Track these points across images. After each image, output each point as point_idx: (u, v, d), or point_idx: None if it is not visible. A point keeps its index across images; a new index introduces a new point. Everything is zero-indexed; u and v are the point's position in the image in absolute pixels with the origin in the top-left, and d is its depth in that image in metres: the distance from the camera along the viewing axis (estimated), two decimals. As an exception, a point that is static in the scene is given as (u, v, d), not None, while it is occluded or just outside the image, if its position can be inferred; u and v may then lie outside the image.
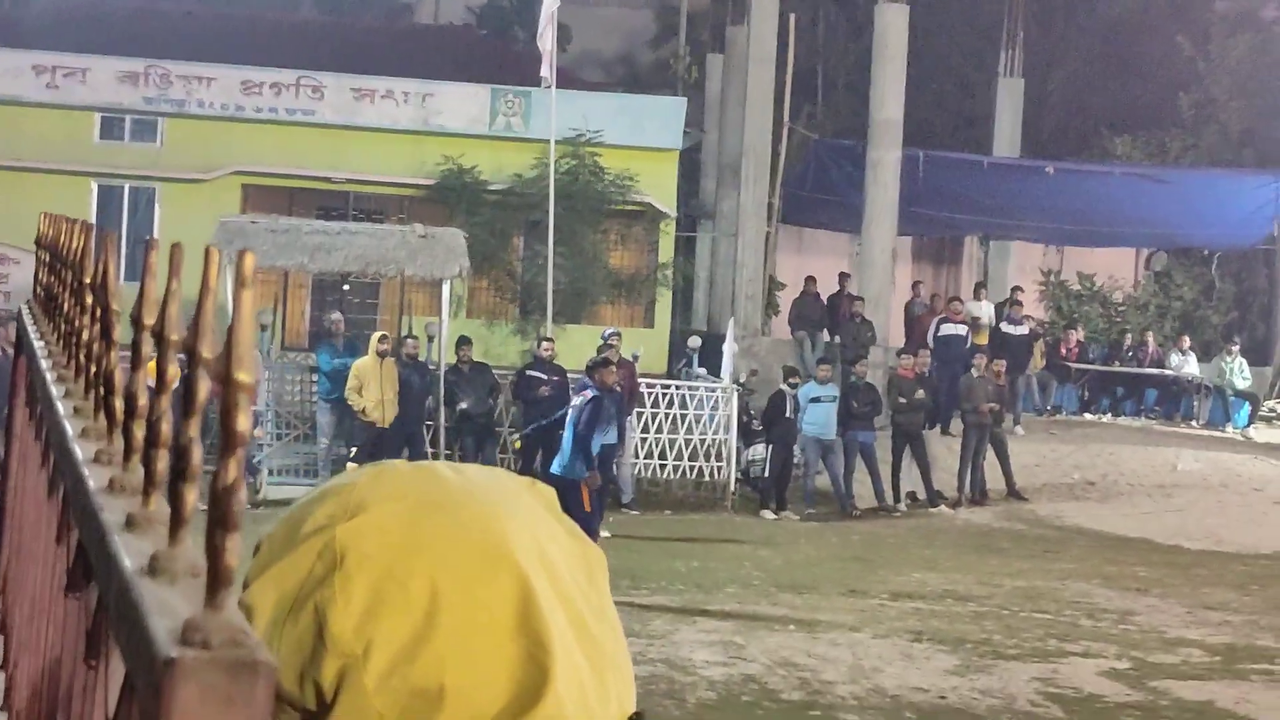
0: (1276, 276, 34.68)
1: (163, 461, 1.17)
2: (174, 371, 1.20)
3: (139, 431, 1.31)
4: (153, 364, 1.25)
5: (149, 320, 1.25)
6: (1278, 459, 27.81)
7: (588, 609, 1.31)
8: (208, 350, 0.99)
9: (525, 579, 1.26)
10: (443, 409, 22.69)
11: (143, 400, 1.32)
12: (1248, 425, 30.69)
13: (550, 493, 1.41)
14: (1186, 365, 31.10)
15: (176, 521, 1.02)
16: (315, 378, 23.66)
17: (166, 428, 1.16)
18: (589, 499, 17.29)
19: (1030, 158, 34.63)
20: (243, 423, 0.89)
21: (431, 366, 23.20)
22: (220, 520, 0.88)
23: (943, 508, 24.10)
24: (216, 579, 0.88)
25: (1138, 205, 32.47)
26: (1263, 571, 19.58)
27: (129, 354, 1.33)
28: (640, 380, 24.22)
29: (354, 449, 22.28)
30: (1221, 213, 32.59)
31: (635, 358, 24.31)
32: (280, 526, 1.33)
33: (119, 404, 1.47)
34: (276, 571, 1.29)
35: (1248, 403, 31.08)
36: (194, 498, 1.00)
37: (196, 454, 1.01)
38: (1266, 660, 13.85)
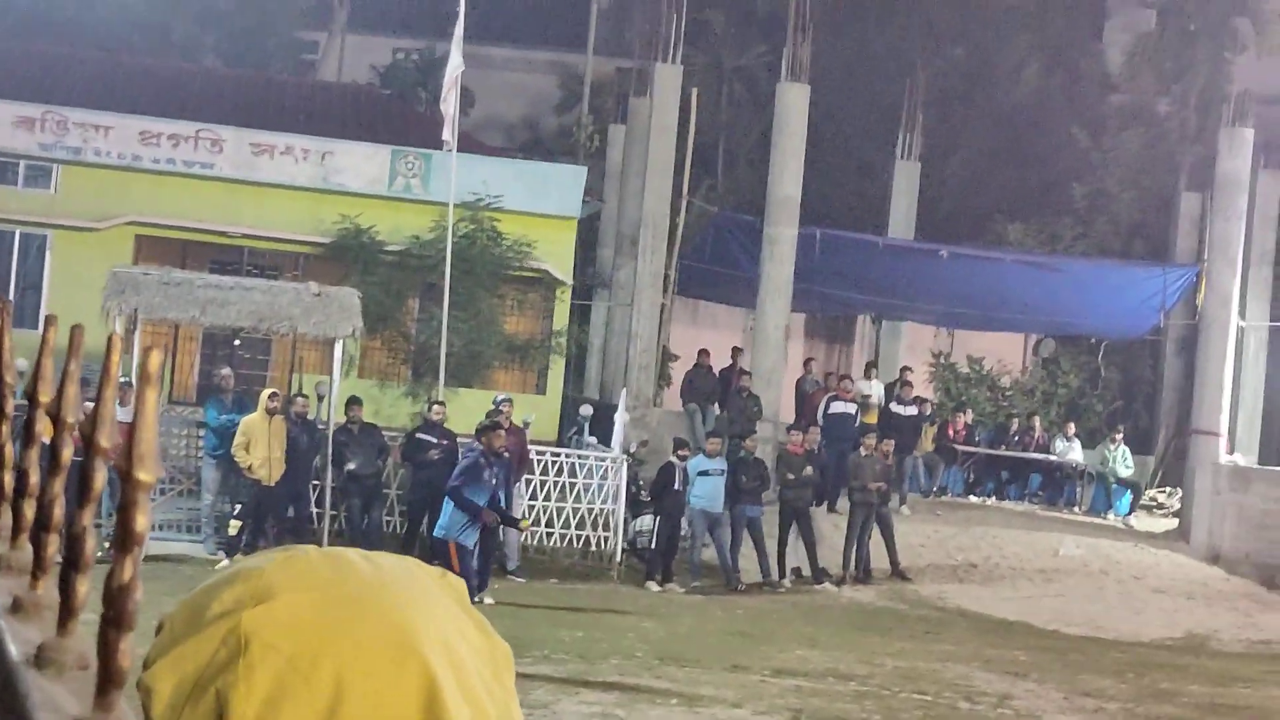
0: (1161, 367, 35.20)
1: (53, 545, 1.16)
2: (68, 455, 1.19)
3: (29, 510, 1.29)
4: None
5: (44, 399, 1.24)
6: (1158, 548, 28.17)
7: (493, 706, 1.30)
8: (105, 439, 0.97)
9: (432, 675, 1.25)
10: (330, 469, 22.52)
11: (34, 478, 1.30)
12: (1129, 513, 31.08)
13: (460, 585, 1.40)
14: (1071, 452, 31.48)
15: (66, 612, 1.00)
16: (202, 433, 23.44)
17: (59, 512, 1.14)
18: (457, 559, 17.71)
19: (925, 240, 34.98)
20: (141, 522, 0.88)
21: (320, 426, 23.03)
22: (114, 620, 0.87)
23: (827, 585, 24.17)
24: (108, 679, 0.86)
25: (1029, 292, 32.85)
26: (1139, 659, 19.78)
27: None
28: (530, 447, 24.16)
29: (239, 506, 22.06)
30: (1110, 303, 33.06)
31: (526, 424, 24.26)
32: (184, 608, 1.31)
33: (8, 479, 1.45)
34: (179, 654, 1.27)
35: (1130, 491, 31.48)
36: (85, 589, 0.98)
37: (90, 544, 1.00)
38: (1141, 748, 13.98)
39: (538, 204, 30.52)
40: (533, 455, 24.23)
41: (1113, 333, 35.03)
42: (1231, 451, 30.66)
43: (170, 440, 23.92)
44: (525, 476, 23.73)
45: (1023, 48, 39.48)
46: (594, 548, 24.43)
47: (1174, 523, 30.51)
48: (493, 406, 22.94)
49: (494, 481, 19.53)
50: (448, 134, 25.01)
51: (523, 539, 23.23)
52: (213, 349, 29.68)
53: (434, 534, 19.62)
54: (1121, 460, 31.39)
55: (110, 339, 1.00)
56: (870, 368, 32.07)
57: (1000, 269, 33.39)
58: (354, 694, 1.23)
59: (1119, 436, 31.75)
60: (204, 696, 1.23)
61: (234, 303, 23.09)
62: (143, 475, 0.89)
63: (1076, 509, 30.99)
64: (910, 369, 32.14)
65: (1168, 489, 32.86)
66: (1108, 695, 16.72)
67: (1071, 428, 32.03)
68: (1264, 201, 32.37)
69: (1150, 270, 33.59)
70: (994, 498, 31.09)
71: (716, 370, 30.68)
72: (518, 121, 45.32)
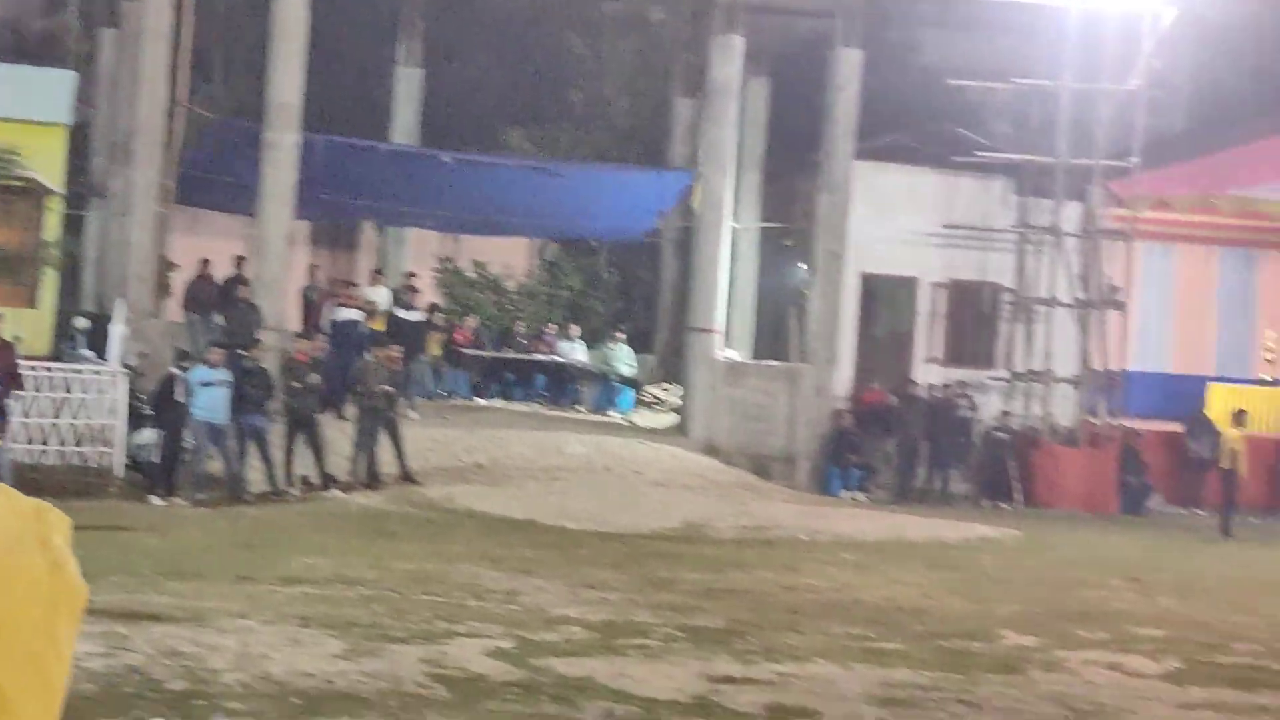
0: (660, 268, 36.26)
1: None
2: None
3: None
4: None
5: None
6: (658, 442, 29.14)
7: (16, 644, 1.22)
8: None
9: None
10: None
11: None
12: (631, 410, 32.05)
13: (57, 521, 1.30)
14: (574, 352, 32.22)
15: None
16: None
17: None
18: None
19: (430, 147, 34.98)
20: None
21: None
22: None
23: (336, 491, 24.14)
24: None
25: (531, 197, 33.26)
26: (639, 550, 20.47)
27: None
28: (21, 362, 23.25)
29: None
30: (609, 206, 33.81)
31: (17, 340, 23.33)
32: None
33: None
34: None
35: (631, 389, 32.44)
36: None
37: None
38: (641, 635, 14.47)
39: (23, 110, 29.25)
40: (24, 371, 23.33)
41: (612, 235, 35.89)
42: (726, 348, 31.91)
43: None
44: (16, 393, 22.84)
45: (519, -47, 39.77)
46: (93, 464, 23.74)
47: (675, 418, 31.60)
48: (-20, 322, 21.98)
49: None
50: (-79, 35, 23.67)
51: (15, 457, 22.39)
52: None
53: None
54: (623, 359, 32.30)
55: None
56: (376, 274, 32.03)
57: (503, 175, 33.66)
58: None
59: (620, 336, 32.65)
60: None
61: None
62: None
63: (580, 408, 31.76)
64: (416, 275, 32.25)
65: (667, 385, 34.00)
66: (610, 586, 17.24)
67: (575, 329, 32.75)
68: (753, 108, 33.59)
69: (647, 175, 34.48)
70: (500, 399, 31.57)
71: (220, 280, 30.09)
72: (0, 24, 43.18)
